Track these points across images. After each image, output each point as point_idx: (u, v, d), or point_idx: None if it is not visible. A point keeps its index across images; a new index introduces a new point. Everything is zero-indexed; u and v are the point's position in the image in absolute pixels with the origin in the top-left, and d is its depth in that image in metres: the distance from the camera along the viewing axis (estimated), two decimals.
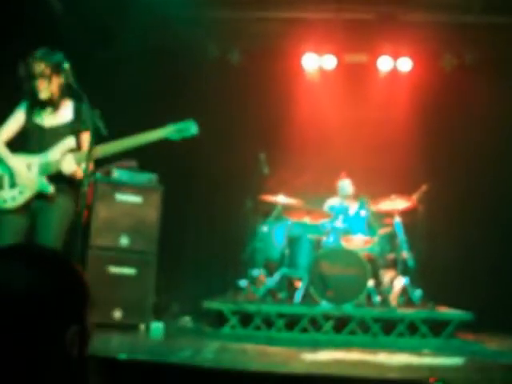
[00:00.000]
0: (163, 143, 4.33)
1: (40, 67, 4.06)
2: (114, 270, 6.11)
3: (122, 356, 4.06)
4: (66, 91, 4.24)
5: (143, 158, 6.03)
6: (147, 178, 6.43)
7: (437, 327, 6.24)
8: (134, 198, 6.28)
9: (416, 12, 7.40)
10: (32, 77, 4.10)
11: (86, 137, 4.30)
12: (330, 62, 8.25)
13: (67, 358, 1.29)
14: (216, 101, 7.98)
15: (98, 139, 3.88)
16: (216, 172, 7.97)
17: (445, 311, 6.55)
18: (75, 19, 7.01)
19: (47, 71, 4.07)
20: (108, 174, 6.20)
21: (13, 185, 4.18)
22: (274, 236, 7.47)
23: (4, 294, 1.27)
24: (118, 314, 6.04)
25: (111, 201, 6.17)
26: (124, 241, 6.20)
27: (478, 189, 7.87)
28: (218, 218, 8.06)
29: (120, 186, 6.22)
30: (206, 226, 8.06)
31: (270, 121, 8.08)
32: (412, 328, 6.25)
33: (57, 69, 4.08)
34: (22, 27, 6.11)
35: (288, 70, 8.21)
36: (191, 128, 4.19)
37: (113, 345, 5.26)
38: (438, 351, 5.68)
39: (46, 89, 4.14)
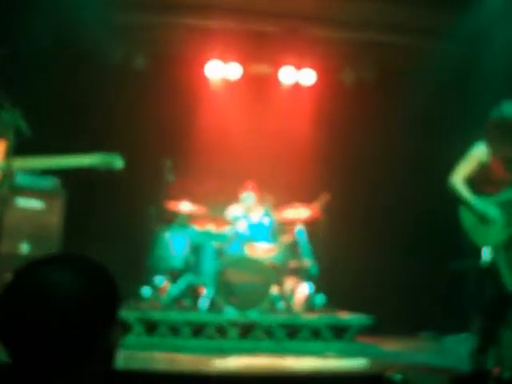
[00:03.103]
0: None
1: None
2: None
3: None
4: None
5: None
6: (50, 182, 6.18)
7: (339, 332, 6.46)
8: (35, 203, 6.02)
9: (319, 27, 7.65)
10: None
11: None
12: (234, 71, 8.34)
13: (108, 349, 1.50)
14: (119, 106, 7.81)
15: (19, 140, 3.65)
16: (120, 178, 7.77)
17: (346, 316, 6.79)
18: None
19: None
20: None
21: None
22: (175, 243, 7.41)
23: (59, 296, 1.41)
24: None
25: (12, 206, 5.86)
26: (24, 247, 5.92)
27: (378, 198, 8.26)
28: (121, 224, 7.88)
29: (21, 190, 5.94)
30: (110, 233, 7.84)
31: (174, 127, 8.03)
32: (315, 333, 6.43)
33: None
34: None
35: (193, 77, 8.21)
36: (117, 161, 4.04)
37: None
38: (341, 354, 5.93)
39: None
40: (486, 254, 4.35)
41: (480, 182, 4.56)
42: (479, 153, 4.56)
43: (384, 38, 7.71)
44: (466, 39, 7.38)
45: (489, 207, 4.44)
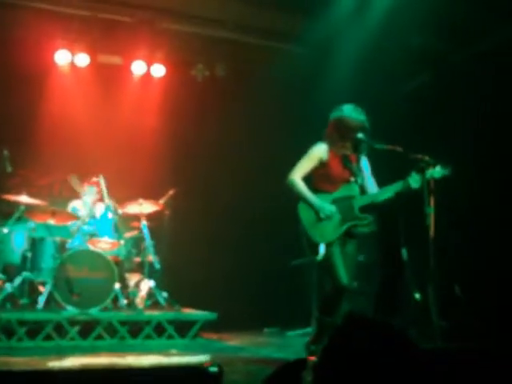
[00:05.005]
0: None
1: None
2: None
3: None
4: None
5: None
6: None
7: (183, 328, 6.43)
8: None
9: (173, 20, 7.56)
10: None
11: None
12: (82, 59, 7.97)
13: None
14: None
15: None
16: None
17: (190, 312, 6.78)
18: None
19: None
20: None
21: None
22: (13, 238, 6.99)
23: None
24: None
25: None
26: None
27: (223, 194, 8.34)
28: None
29: None
30: None
31: (15, 115, 7.54)
32: (159, 330, 6.35)
33: None
34: None
35: (39, 62, 7.71)
36: None
37: None
38: (185, 350, 5.90)
39: None
40: (323, 249, 4.50)
41: (319, 179, 4.72)
42: (319, 151, 4.71)
43: (237, 37, 7.80)
44: (314, 44, 7.67)
45: (326, 204, 4.59)
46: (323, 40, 7.49)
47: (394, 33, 7.09)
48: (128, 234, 7.27)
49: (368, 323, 1.58)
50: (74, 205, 7.34)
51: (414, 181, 4.48)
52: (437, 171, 4.45)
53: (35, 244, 6.79)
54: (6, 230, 6.78)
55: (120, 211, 7.21)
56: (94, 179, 7.26)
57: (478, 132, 6.87)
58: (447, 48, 7.44)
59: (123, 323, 6.25)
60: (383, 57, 7.36)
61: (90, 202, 7.29)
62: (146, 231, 7.10)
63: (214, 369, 2.19)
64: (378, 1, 7.10)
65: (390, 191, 4.59)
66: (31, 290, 6.55)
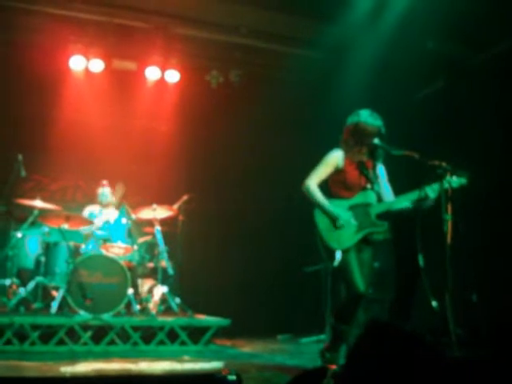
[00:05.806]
0: None
1: None
2: None
3: None
4: None
5: None
6: None
7: (196, 334, 6.39)
8: None
9: (187, 26, 7.57)
10: None
11: None
12: (97, 65, 7.98)
13: None
14: None
15: None
16: None
17: (203, 318, 6.74)
18: None
19: None
20: None
21: None
22: (27, 243, 6.99)
23: None
24: None
25: None
26: None
27: (236, 200, 8.31)
28: None
29: None
30: None
31: (29, 120, 7.57)
32: (172, 336, 6.31)
33: None
34: None
35: (53, 68, 7.76)
36: None
37: None
38: (198, 357, 5.85)
39: None
40: (339, 256, 4.44)
41: (335, 186, 4.67)
42: (335, 158, 4.65)
43: (251, 43, 7.80)
44: (328, 50, 7.64)
45: (342, 211, 4.53)
46: (337, 45, 7.46)
47: (410, 38, 7.04)
48: (141, 240, 7.26)
49: (392, 332, 1.54)
50: (90, 209, 7.35)
51: (432, 190, 4.40)
52: (454, 181, 4.37)
53: (49, 249, 6.79)
54: (19, 235, 6.79)
55: (133, 216, 7.20)
56: (105, 181, 7.27)
57: (493, 138, 6.79)
58: (463, 53, 7.38)
59: (136, 329, 6.22)
60: (398, 62, 7.30)
61: (104, 206, 7.29)
62: (159, 236, 7.07)
63: (232, 377, 2.16)
64: (393, 6, 7.06)
65: (406, 200, 4.52)
66: (44, 294, 6.57)
